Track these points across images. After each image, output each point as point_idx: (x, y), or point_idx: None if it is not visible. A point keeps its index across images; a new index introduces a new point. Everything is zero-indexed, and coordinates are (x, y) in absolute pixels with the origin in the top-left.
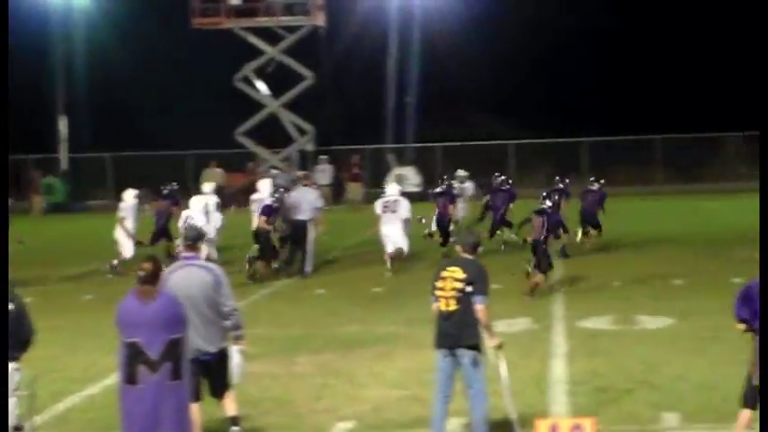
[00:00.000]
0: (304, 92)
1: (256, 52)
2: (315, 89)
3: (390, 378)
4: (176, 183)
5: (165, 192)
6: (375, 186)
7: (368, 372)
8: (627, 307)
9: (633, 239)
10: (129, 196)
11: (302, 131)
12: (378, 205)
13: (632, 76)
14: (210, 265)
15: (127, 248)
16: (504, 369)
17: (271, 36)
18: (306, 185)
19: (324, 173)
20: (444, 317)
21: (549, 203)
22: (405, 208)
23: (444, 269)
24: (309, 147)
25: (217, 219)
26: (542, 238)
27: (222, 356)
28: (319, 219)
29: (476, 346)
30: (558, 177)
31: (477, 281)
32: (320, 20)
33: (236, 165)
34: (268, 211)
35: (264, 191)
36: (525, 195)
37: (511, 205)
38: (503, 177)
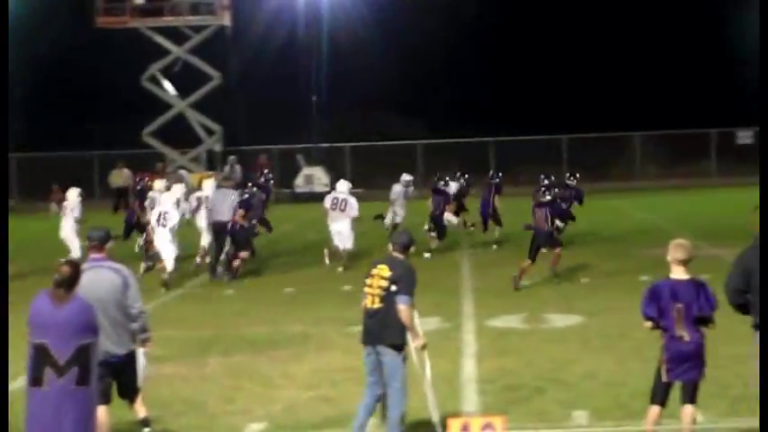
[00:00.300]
0: (211, 92)
1: (163, 52)
2: (222, 89)
3: (301, 378)
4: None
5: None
6: (284, 186)
7: (279, 372)
8: (536, 306)
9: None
10: (74, 195)
11: (210, 132)
12: (327, 200)
13: (539, 76)
14: (119, 266)
15: (75, 248)
16: (428, 370)
17: (177, 36)
18: (225, 187)
19: (232, 173)
20: (369, 314)
21: (549, 197)
22: (353, 206)
23: (375, 266)
24: (218, 147)
25: None
26: (548, 228)
27: (131, 359)
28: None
29: (397, 346)
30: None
31: (402, 281)
32: (226, 19)
33: (143, 165)
34: (246, 205)
35: (178, 192)
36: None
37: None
38: (500, 174)
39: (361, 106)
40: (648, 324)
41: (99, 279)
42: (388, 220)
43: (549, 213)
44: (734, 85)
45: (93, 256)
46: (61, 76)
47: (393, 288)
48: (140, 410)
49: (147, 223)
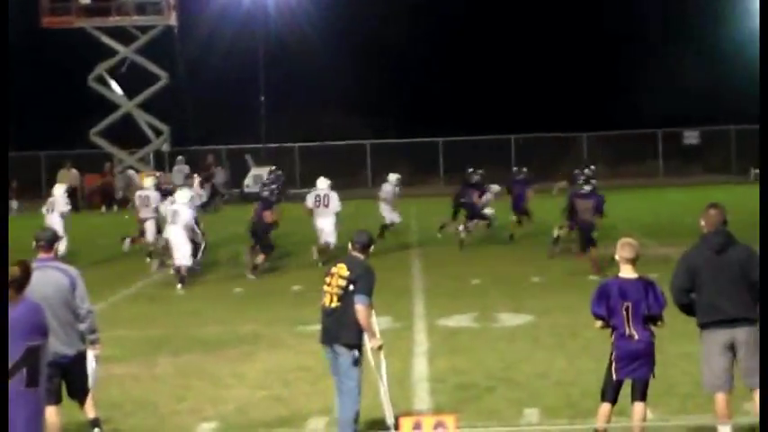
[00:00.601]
0: (159, 92)
1: (110, 52)
2: (170, 89)
3: (253, 378)
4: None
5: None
6: (233, 187)
7: (230, 372)
8: (487, 305)
9: (490, 238)
10: (60, 191)
11: (158, 132)
12: (309, 199)
13: (489, 77)
14: (66, 267)
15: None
16: (384, 370)
17: (124, 36)
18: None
19: (180, 173)
20: (327, 313)
21: (588, 188)
22: (335, 202)
23: (335, 265)
24: (165, 147)
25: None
26: (591, 220)
27: (80, 359)
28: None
29: (353, 345)
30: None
31: (361, 280)
32: (173, 19)
33: (91, 166)
34: (269, 204)
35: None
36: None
37: (530, 192)
38: (524, 169)
39: (311, 106)
40: (598, 323)
41: (46, 279)
42: (393, 219)
43: (594, 205)
44: (681, 86)
45: (41, 256)
46: (7, 76)
47: (351, 288)
48: (90, 411)
49: (141, 221)
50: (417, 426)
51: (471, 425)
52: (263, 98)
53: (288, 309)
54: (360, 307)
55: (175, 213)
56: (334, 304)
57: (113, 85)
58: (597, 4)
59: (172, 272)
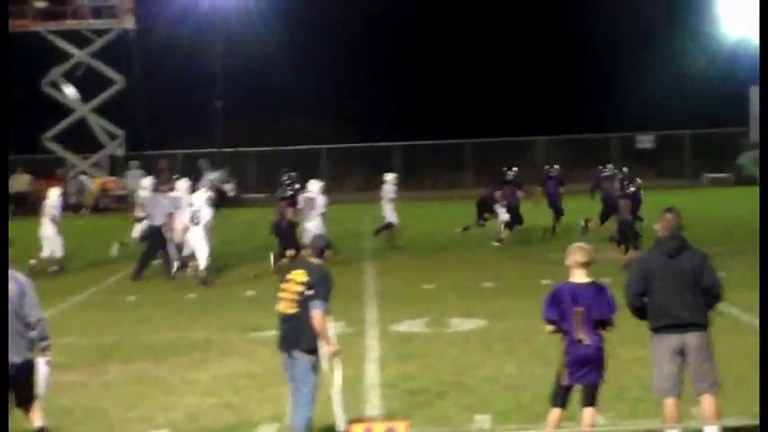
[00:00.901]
0: (114, 96)
1: (65, 56)
2: (125, 93)
3: (204, 385)
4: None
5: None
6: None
7: (181, 379)
8: (439, 310)
9: (445, 242)
10: (55, 195)
11: (112, 136)
12: (300, 201)
13: (444, 81)
14: (16, 274)
15: (58, 246)
16: (338, 377)
17: (80, 39)
18: (161, 191)
19: (134, 178)
20: (284, 319)
21: (632, 188)
22: (319, 204)
23: (290, 271)
24: (120, 152)
25: None
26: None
27: (28, 367)
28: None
29: (312, 351)
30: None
31: (318, 286)
32: (129, 23)
33: (44, 170)
34: (293, 203)
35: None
36: (339, 200)
37: (561, 189)
38: (556, 166)
39: (266, 111)
40: (550, 327)
41: None
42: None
43: (632, 203)
44: (635, 90)
45: None
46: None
47: (308, 293)
48: (36, 419)
49: (138, 220)
50: (368, 431)
51: (422, 430)
52: (219, 103)
53: (240, 314)
54: (317, 312)
55: (196, 214)
56: (291, 310)
57: (68, 89)
58: (554, 10)
59: (188, 273)
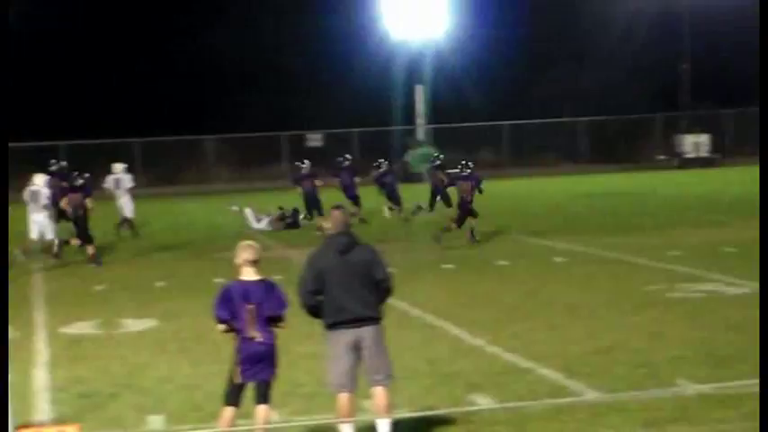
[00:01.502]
0: None
1: None
2: None
3: None
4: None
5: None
6: None
7: None
8: (110, 311)
9: (113, 243)
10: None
11: None
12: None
13: (107, 79)
14: None
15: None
16: None
17: None
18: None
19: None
20: None
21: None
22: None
23: None
24: None
25: None
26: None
27: None
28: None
29: None
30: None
31: None
32: None
33: None
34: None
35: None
36: None
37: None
38: (348, 156)
39: None
40: (221, 327)
41: None
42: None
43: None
44: (305, 92)
45: None
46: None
47: None
48: None
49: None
50: None
51: None
52: None
53: None
54: None
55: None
56: None
57: None
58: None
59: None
